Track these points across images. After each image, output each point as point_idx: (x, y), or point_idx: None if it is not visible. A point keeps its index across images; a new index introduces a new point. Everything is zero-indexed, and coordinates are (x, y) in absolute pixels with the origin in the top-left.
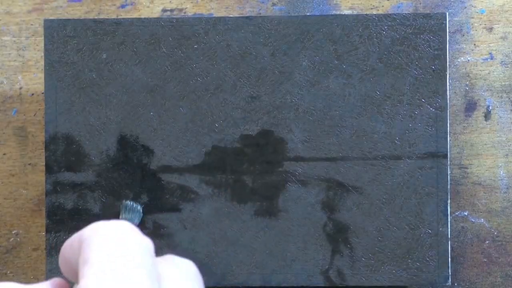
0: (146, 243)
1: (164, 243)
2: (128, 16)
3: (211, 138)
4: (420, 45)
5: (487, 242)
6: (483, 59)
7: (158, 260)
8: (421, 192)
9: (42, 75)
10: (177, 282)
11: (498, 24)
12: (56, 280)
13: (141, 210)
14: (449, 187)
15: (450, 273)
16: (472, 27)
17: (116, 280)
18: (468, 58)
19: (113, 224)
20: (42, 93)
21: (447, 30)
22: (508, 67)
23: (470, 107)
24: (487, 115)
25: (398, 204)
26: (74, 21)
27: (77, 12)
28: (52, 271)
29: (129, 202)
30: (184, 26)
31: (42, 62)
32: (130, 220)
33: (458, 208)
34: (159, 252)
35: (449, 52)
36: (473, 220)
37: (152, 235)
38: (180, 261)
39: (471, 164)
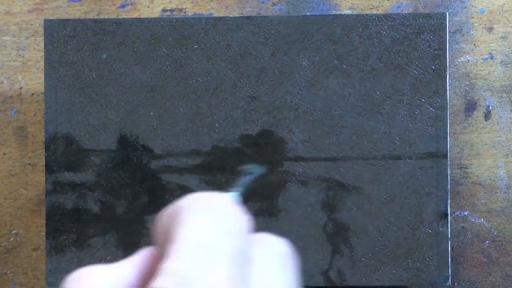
0: (243, 224)
1: None
2: (128, 16)
3: (211, 138)
4: (420, 45)
5: (487, 242)
6: (483, 59)
7: (251, 241)
8: (421, 192)
9: (42, 75)
10: (266, 267)
11: (498, 24)
12: (148, 251)
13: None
14: (449, 187)
15: (450, 273)
16: (472, 27)
17: (198, 267)
18: (468, 58)
19: (212, 198)
20: (42, 93)
21: (447, 30)
22: (508, 67)
23: (470, 107)
24: (487, 115)
25: (398, 204)
26: (74, 21)
27: (77, 12)
28: (52, 271)
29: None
30: (184, 26)
31: (42, 62)
32: (249, 177)
33: (458, 208)
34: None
35: (449, 52)
36: (473, 220)
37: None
38: (274, 242)
39: (471, 164)
